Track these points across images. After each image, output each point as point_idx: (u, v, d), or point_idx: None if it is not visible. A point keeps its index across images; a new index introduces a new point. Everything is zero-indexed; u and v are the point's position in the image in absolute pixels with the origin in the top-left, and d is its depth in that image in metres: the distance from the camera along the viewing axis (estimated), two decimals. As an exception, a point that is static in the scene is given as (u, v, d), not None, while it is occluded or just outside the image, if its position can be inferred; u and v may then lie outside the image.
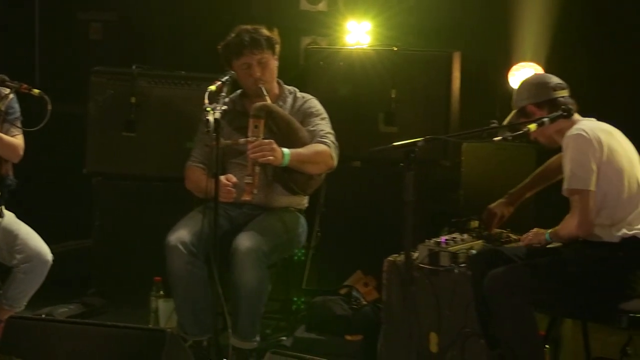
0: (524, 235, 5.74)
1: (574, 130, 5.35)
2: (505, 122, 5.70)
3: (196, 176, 6.27)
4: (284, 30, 6.33)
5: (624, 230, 5.31)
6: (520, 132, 5.41)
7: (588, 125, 5.39)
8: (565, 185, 5.33)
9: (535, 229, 5.69)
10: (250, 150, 5.81)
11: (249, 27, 6.21)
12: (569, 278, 5.36)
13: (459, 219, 6.25)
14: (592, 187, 5.26)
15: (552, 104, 5.48)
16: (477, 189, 7.43)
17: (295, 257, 6.62)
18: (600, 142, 5.31)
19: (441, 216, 6.53)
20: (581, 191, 5.28)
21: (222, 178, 5.73)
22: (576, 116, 5.50)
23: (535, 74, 5.60)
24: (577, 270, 5.35)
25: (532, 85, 5.60)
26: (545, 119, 5.41)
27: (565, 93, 5.52)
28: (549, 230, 5.55)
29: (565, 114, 5.44)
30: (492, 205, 6.04)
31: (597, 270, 5.34)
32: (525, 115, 5.53)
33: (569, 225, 5.40)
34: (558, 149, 5.70)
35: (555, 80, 5.55)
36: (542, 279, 5.36)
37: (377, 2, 8.39)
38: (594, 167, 5.28)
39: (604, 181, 5.31)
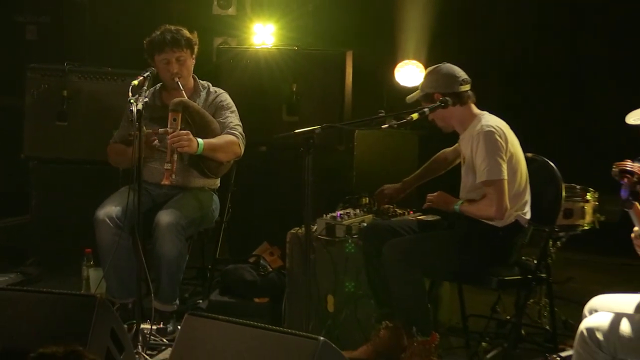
0: (430, 196, 5.69)
1: (484, 127, 5.38)
2: (410, 98, 5.68)
3: (116, 148, 6.31)
4: (199, 31, 6.30)
5: (508, 219, 5.41)
6: (404, 120, 5.43)
7: (494, 122, 5.44)
8: (482, 178, 5.34)
9: (440, 192, 5.66)
10: (170, 140, 5.81)
11: (172, 27, 6.19)
12: (455, 249, 5.46)
13: (352, 196, 6.31)
14: (505, 176, 5.32)
15: (456, 96, 5.46)
16: (367, 170, 7.50)
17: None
18: (506, 139, 5.38)
19: (336, 194, 6.55)
20: (496, 181, 5.32)
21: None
22: (474, 108, 5.53)
23: (447, 65, 5.49)
24: (462, 243, 5.45)
25: (443, 75, 5.50)
26: (426, 109, 5.42)
27: (468, 87, 5.50)
28: (460, 202, 5.54)
29: (442, 105, 5.46)
30: (388, 187, 6.06)
31: (479, 244, 5.44)
32: (430, 100, 5.49)
33: (487, 210, 5.40)
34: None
35: (463, 75, 5.50)
36: (433, 250, 5.46)
37: (280, 7, 8.40)
38: (505, 159, 5.34)
39: None
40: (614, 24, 8.44)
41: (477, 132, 5.39)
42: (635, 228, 4.25)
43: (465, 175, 5.56)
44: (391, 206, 6.07)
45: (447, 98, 5.47)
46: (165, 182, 5.83)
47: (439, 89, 5.48)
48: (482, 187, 5.39)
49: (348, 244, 5.72)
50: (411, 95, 5.69)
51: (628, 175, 3.95)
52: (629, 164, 3.99)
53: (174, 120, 5.85)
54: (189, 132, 5.88)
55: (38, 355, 2.52)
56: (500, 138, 5.35)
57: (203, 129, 6.03)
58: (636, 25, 8.27)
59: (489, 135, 5.34)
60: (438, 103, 5.49)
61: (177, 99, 5.96)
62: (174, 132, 5.82)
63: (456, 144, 5.78)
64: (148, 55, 6.18)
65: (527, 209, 5.50)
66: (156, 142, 5.95)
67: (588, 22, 8.57)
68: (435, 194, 5.65)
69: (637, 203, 4.05)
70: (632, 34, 8.31)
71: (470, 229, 5.47)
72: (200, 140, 5.92)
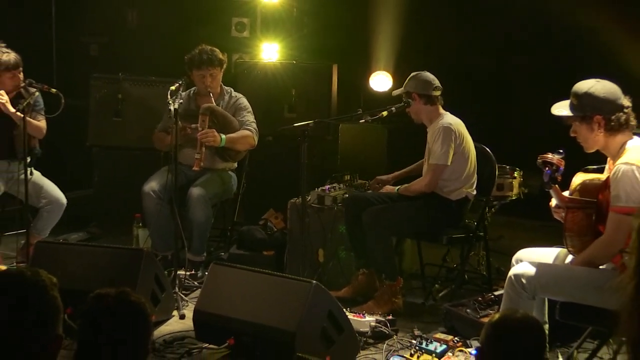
0: (383, 188, 5.79)
1: (444, 123, 5.41)
2: (395, 92, 5.68)
3: (159, 136, 6.29)
4: (220, 49, 6.27)
5: (460, 195, 5.45)
6: (377, 116, 5.50)
7: (453, 120, 5.46)
8: (433, 160, 5.40)
9: (386, 186, 5.78)
10: (199, 136, 5.88)
11: (208, 47, 6.18)
12: (417, 216, 5.47)
13: (337, 174, 6.30)
14: (447, 163, 5.36)
15: (428, 98, 5.47)
16: (349, 154, 7.49)
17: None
18: (460, 134, 5.41)
19: (325, 172, 6.53)
20: (440, 165, 5.37)
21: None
22: (440, 109, 5.54)
23: (426, 73, 5.48)
24: (423, 211, 5.46)
25: (422, 80, 5.49)
26: (393, 108, 5.51)
27: (439, 92, 5.50)
28: (398, 187, 5.63)
29: (406, 104, 5.51)
30: (381, 177, 5.95)
31: (436, 212, 5.47)
32: (409, 97, 5.52)
33: (421, 184, 5.48)
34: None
35: (436, 83, 5.49)
36: (400, 216, 5.45)
37: (283, 31, 8.36)
38: (452, 150, 5.36)
39: (456, 162, 5.42)
40: (535, 40, 8.43)
41: (439, 126, 5.42)
42: (553, 200, 4.28)
43: (427, 160, 5.57)
44: (367, 182, 6.07)
45: (409, 100, 5.50)
46: (196, 168, 5.93)
47: (417, 90, 5.50)
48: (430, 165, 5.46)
49: (341, 226, 5.72)
50: (396, 90, 5.70)
51: (549, 165, 4.00)
52: (549, 156, 4.04)
53: (203, 121, 5.93)
54: (214, 130, 5.94)
55: (95, 295, 2.50)
56: (455, 133, 5.38)
57: (225, 127, 6.06)
58: (550, 40, 8.28)
59: (447, 130, 5.38)
60: (403, 103, 5.52)
61: (206, 105, 6.03)
62: (202, 130, 5.89)
63: None
64: (188, 68, 6.17)
65: (474, 187, 5.52)
66: (189, 131, 5.97)
67: (515, 39, 8.57)
68: (383, 187, 5.77)
69: (556, 185, 4.08)
70: (549, 48, 8.32)
71: (430, 201, 5.47)
72: (223, 135, 5.99)
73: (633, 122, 4.01)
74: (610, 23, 7.30)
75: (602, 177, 4.07)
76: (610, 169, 4.02)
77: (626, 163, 3.85)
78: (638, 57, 7.21)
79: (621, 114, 3.97)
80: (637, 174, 3.81)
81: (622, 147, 3.99)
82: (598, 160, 4.24)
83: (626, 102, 4.00)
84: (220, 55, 6.18)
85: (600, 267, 3.99)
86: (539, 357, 2.72)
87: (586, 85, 4.02)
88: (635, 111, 4.03)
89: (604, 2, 7.47)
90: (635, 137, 4.03)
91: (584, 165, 4.30)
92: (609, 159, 4.12)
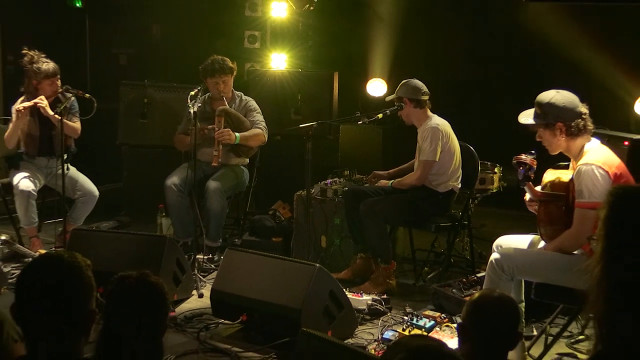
0: (378, 182, 5.78)
1: (432, 124, 5.43)
2: (389, 97, 5.68)
3: (179, 138, 6.29)
4: (234, 59, 6.27)
5: (447, 188, 5.47)
6: (373, 118, 5.50)
7: (440, 121, 5.48)
8: (423, 157, 5.42)
9: (380, 180, 5.78)
10: (216, 135, 5.89)
11: (219, 57, 6.17)
12: (409, 206, 5.47)
13: (337, 170, 6.31)
14: (436, 159, 5.38)
15: (417, 102, 5.47)
16: (348, 152, 7.50)
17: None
18: (446, 133, 5.44)
19: (327, 168, 6.54)
20: (429, 161, 5.39)
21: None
22: (429, 112, 5.55)
23: (415, 80, 5.50)
24: (414, 202, 5.47)
25: (412, 86, 5.49)
26: (387, 111, 5.51)
27: (427, 97, 5.50)
28: (391, 181, 5.64)
29: (399, 107, 5.51)
30: (377, 172, 5.96)
31: (425, 203, 5.47)
32: (400, 101, 5.53)
33: (412, 178, 5.50)
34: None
35: (424, 88, 5.50)
36: (393, 206, 5.45)
37: (290, 42, 8.34)
38: (440, 147, 5.38)
39: (443, 158, 5.43)
40: (511, 53, 8.44)
41: (427, 127, 5.44)
42: (527, 195, 4.31)
43: (417, 157, 5.58)
44: (364, 176, 6.07)
45: (401, 104, 5.52)
46: (214, 164, 5.93)
47: (407, 95, 5.51)
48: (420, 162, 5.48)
49: (336, 219, 5.72)
50: (389, 96, 5.70)
51: (523, 165, 4.06)
52: (523, 157, 4.12)
53: (219, 122, 5.93)
54: (229, 129, 5.93)
55: (119, 276, 2.52)
56: (442, 133, 5.40)
57: (238, 127, 6.05)
58: (525, 53, 8.30)
59: (435, 130, 5.40)
60: (396, 107, 5.53)
61: (221, 107, 6.02)
62: (219, 129, 5.90)
63: None
64: (202, 76, 6.17)
65: (459, 181, 5.53)
66: (206, 132, 5.98)
67: (495, 51, 8.57)
68: (380, 182, 5.75)
69: (530, 183, 4.12)
70: (524, 59, 8.34)
71: (420, 193, 5.48)
72: (237, 134, 5.98)
73: (590, 126, 4.08)
74: (573, 39, 7.37)
75: (568, 173, 4.12)
76: (573, 169, 4.07)
77: (586, 164, 3.92)
78: (597, 68, 7.29)
79: (580, 120, 4.03)
80: (597, 173, 3.87)
81: (582, 149, 4.06)
82: (565, 159, 4.28)
83: (584, 109, 4.07)
84: (230, 64, 6.18)
85: (571, 252, 4.02)
86: (513, 330, 2.75)
87: (548, 95, 4.07)
88: (592, 117, 4.09)
89: (568, 22, 7.51)
90: (593, 139, 4.11)
91: (554, 163, 4.34)
92: (571, 159, 4.16)
